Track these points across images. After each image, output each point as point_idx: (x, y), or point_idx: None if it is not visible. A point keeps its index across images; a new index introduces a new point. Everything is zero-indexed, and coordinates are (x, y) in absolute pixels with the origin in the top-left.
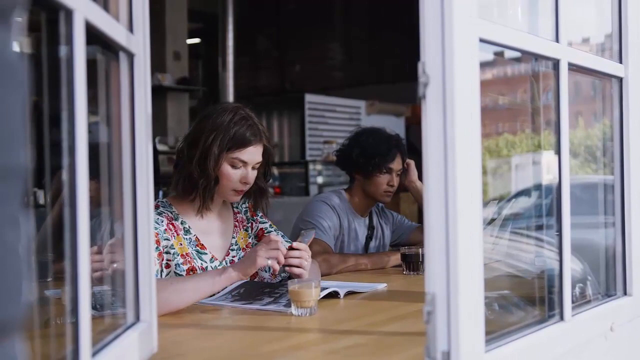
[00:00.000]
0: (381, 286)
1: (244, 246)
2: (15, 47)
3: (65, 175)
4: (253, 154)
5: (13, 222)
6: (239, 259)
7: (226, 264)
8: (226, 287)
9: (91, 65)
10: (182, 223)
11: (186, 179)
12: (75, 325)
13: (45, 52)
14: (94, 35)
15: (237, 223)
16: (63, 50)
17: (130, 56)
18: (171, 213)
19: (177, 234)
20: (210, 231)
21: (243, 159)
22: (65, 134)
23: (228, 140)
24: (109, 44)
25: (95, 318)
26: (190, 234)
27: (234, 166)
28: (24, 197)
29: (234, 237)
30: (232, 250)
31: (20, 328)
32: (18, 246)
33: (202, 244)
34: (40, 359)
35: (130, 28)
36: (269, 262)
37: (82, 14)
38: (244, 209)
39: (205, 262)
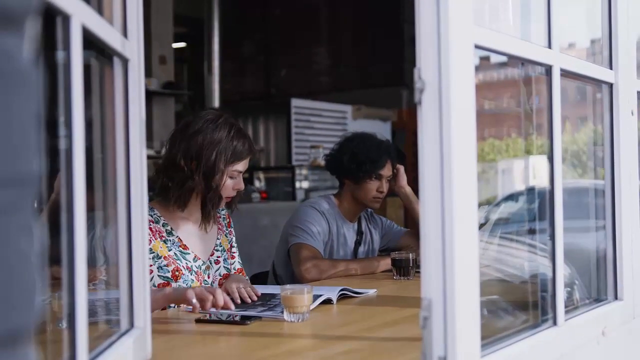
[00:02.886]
0: (372, 292)
1: (226, 248)
2: (28, 55)
3: (62, 180)
4: (247, 164)
5: (26, 230)
6: (224, 259)
7: (210, 263)
8: None
9: (85, 70)
10: (163, 225)
11: (188, 193)
12: (72, 331)
13: (41, 57)
14: (89, 40)
15: (220, 226)
16: (60, 54)
17: (125, 61)
18: (152, 216)
19: (156, 238)
20: (194, 233)
21: (241, 170)
22: (61, 139)
23: (231, 155)
24: (104, 49)
25: (89, 324)
26: (173, 235)
27: (231, 177)
28: (35, 204)
29: (218, 239)
30: (217, 250)
31: (34, 335)
32: (31, 254)
33: (185, 245)
34: None
35: (125, 33)
36: (194, 300)
37: (79, 19)
38: (223, 216)
39: (189, 261)
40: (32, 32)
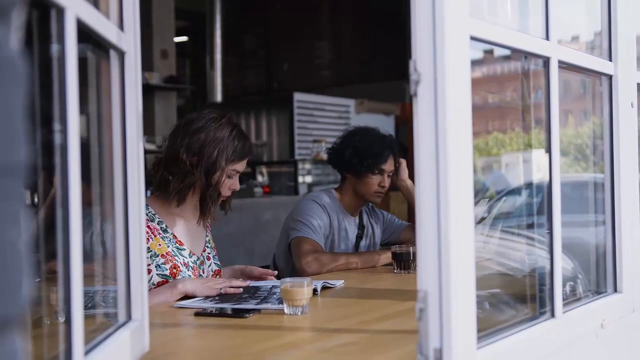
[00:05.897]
0: (339, 283)
1: (213, 246)
2: (15, 45)
3: (56, 175)
4: (245, 164)
5: (14, 219)
6: (213, 256)
7: (203, 258)
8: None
9: (81, 63)
10: (158, 223)
11: (187, 188)
12: (68, 324)
13: (36, 50)
14: (85, 33)
15: (208, 224)
16: (54, 48)
17: (121, 54)
18: (147, 214)
19: (155, 235)
20: (187, 229)
21: (239, 169)
22: (56, 133)
23: (232, 153)
24: (100, 42)
25: (87, 317)
26: (168, 232)
27: (229, 176)
28: (23, 194)
29: (207, 236)
30: (207, 247)
31: (21, 324)
32: (19, 243)
33: (180, 241)
34: (31, 358)
35: (121, 26)
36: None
37: (74, 12)
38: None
39: (185, 257)
40: (18, 22)
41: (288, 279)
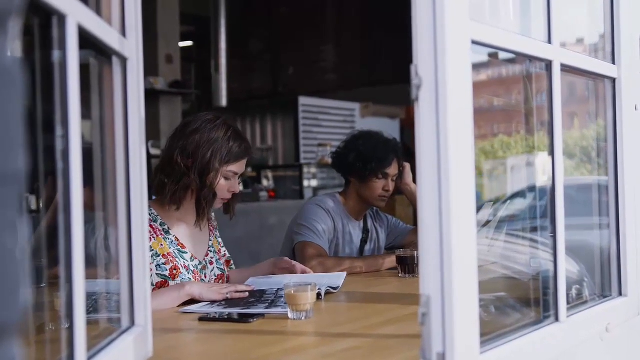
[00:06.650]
0: (342, 275)
1: (217, 250)
2: (12, 52)
3: (59, 181)
4: (243, 166)
5: (11, 227)
6: (216, 260)
7: (205, 263)
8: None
9: (84, 69)
10: (161, 225)
11: (183, 190)
12: (71, 330)
13: (38, 57)
14: (87, 40)
15: (211, 228)
16: (56, 54)
17: (124, 60)
18: (150, 215)
19: (157, 235)
20: (189, 233)
21: (236, 171)
22: (58, 139)
23: (226, 154)
24: (102, 48)
25: (90, 322)
26: (170, 234)
27: (226, 178)
28: (21, 202)
29: (210, 240)
30: (210, 251)
31: (18, 331)
32: (16, 250)
33: (182, 244)
34: None
35: (123, 32)
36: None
37: (75, 19)
38: (213, 217)
39: (187, 260)
40: (15, 30)
41: (292, 284)
